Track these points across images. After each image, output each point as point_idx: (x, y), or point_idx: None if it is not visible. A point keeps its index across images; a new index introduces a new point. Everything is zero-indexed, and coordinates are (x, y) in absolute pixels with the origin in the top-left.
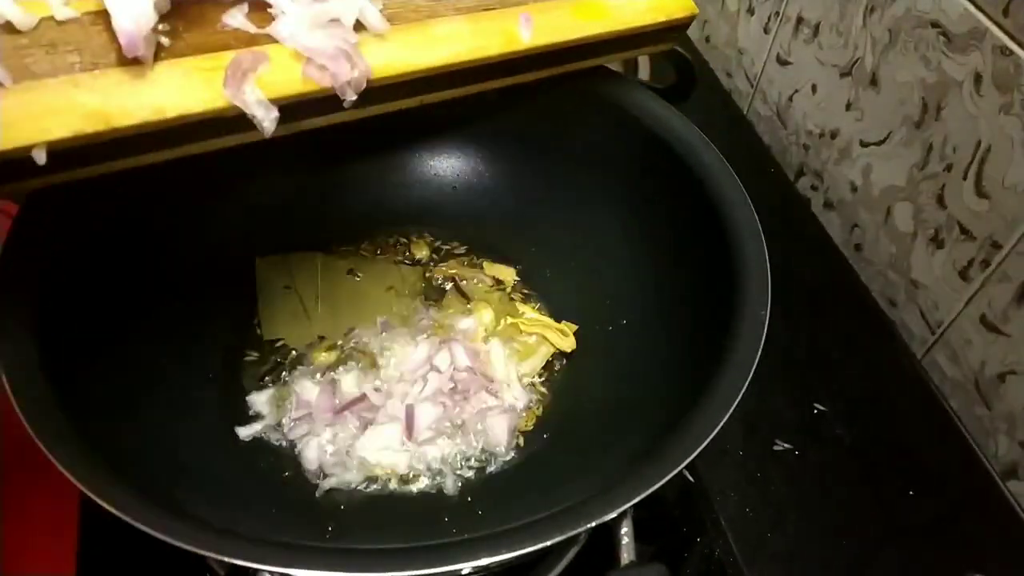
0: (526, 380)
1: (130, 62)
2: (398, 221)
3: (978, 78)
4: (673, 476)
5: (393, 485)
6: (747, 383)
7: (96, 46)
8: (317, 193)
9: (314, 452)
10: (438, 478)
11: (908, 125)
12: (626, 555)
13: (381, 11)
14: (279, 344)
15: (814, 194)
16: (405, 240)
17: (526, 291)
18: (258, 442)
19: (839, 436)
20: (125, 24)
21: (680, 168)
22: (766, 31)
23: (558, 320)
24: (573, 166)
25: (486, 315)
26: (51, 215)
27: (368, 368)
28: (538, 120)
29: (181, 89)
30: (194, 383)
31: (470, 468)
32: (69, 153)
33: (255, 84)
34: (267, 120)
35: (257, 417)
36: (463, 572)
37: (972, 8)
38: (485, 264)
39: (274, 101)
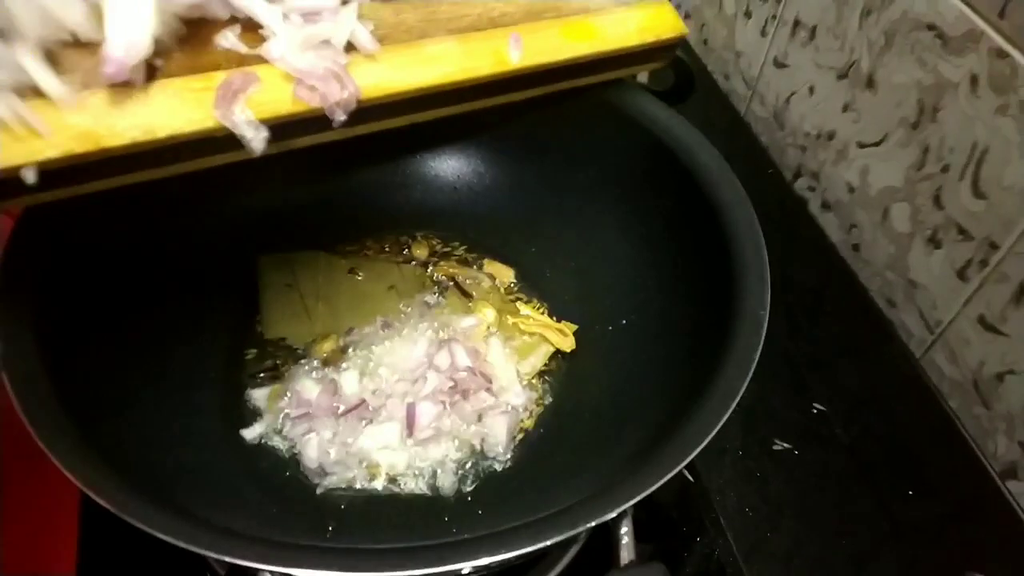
0: (526, 380)
1: (121, 84)
2: (399, 221)
3: (974, 80)
4: (673, 476)
5: (393, 485)
6: (746, 383)
7: (87, 67)
8: (319, 194)
9: (314, 451)
10: (438, 478)
11: (905, 127)
12: (626, 555)
13: (372, 32)
14: (280, 342)
15: (812, 195)
16: (406, 239)
17: (526, 291)
18: (258, 441)
19: (838, 436)
20: (115, 52)
21: (679, 169)
22: (763, 34)
23: (558, 320)
24: (573, 167)
25: (489, 313)
26: (53, 215)
27: (367, 366)
28: (538, 122)
29: (172, 109)
30: (194, 382)
31: (470, 468)
32: (60, 172)
33: (245, 104)
34: (256, 140)
35: (258, 416)
36: (463, 572)
37: (968, 11)
38: (484, 262)
39: (264, 121)
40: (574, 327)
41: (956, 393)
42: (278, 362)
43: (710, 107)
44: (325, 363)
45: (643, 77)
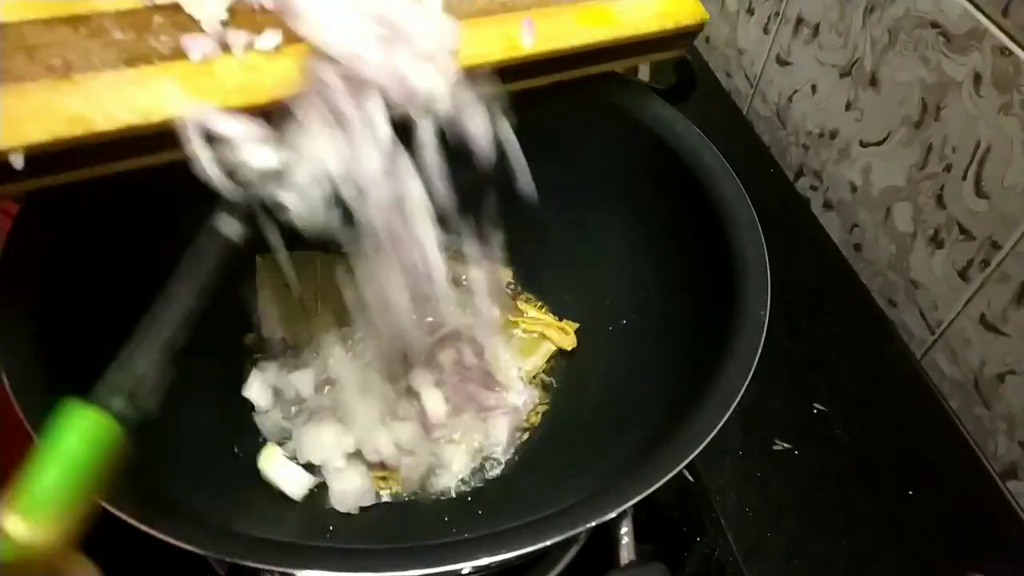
0: (527, 379)
1: (117, 65)
2: None
3: (977, 78)
4: (673, 476)
5: (394, 486)
6: (746, 383)
7: (80, 49)
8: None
9: (315, 451)
10: (438, 478)
11: (908, 125)
12: (626, 555)
13: None
14: (279, 342)
15: (813, 194)
16: None
17: (525, 291)
18: (258, 440)
19: (838, 436)
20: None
21: (680, 168)
22: (766, 31)
23: (558, 320)
24: (572, 166)
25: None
26: (51, 214)
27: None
28: (537, 121)
29: (167, 93)
30: (194, 381)
31: (470, 468)
32: (50, 158)
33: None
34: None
35: (257, 415)
36: (463, 572)
37: (972, 8)
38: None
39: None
40: (575, 325)
41: (957, 393)
42: (279, 357)
43: (711, 105)
44: (324, 359)
45: (644, 75)
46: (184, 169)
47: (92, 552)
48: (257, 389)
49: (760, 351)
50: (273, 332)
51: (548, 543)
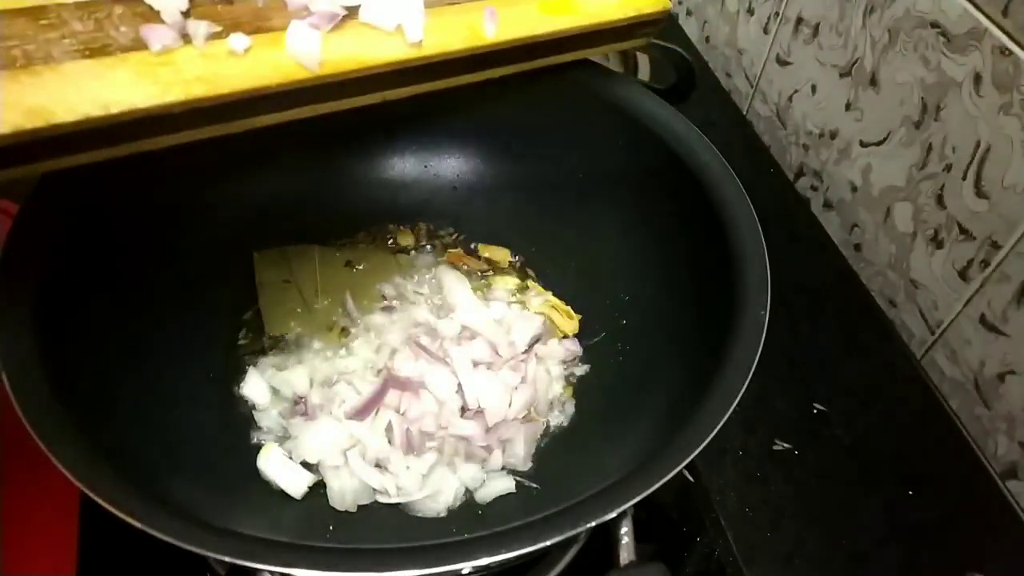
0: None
1: (77, 57)
2: (398, 220)
3: (977, 78)
4: (673, 476)
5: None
6: (747, 383)
7: (40, 41)
8: (315, 192)
9: (314, 449)
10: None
11: (908, 125)
12: (626, 555)
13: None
14: (280, 339)
15: (814, 194)
16: (407, 232)
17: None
18: (257, 439)
19: (839, 436)
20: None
21: (680, 168)
22: (766, 31)
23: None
24: (573, 167)
25: (510, 280)
26: (50, 214)
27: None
28: (538, 121)
29: (129, 84)
30: (194, 380)
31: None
32: (10, 150)
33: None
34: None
35: (257, 414)
36: (463, 572)
37: (972, 8)
38: (480, 247)
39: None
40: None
41: (957, 393)
42: (279, 356)
43: (712, 105)
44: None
45: (645, 75)
46: (184, 169)
47: (93, 552)
48: (255, 387)
49: (760, 351)
50: (272, 328)
51: (548, 543)
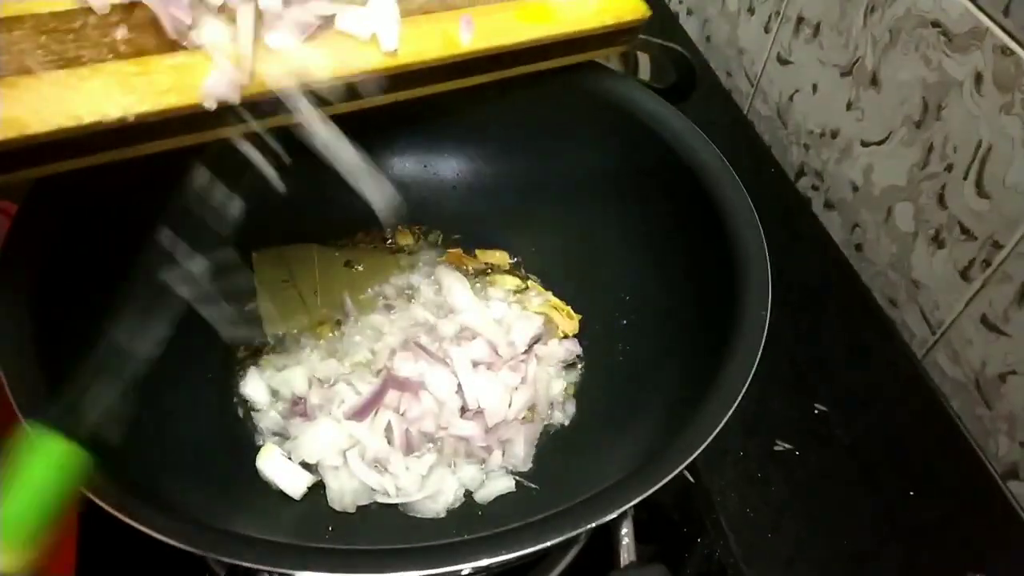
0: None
1: (51, 68)
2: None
3: (979, 78)
4: (673, 476)
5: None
6: (747, 383)
7: (14, 52)
8: (315, 192)
9: (314, 449)
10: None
11: (909, 125)
12: (626, 555)
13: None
14: (279, 339)
15: (815, 194)
16: (406, 232)
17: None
18: (257, 439)
19: (839, 436)
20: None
21: (680, 168)
22: (766, 31)
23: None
24: (573, 167)
25: (509, 281)
26: (51, 214)
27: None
28: (538, 121)
29: (103, 94)
30: (193, 380)
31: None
32: None
33: None
34: None
35: (256, 414)
36: (463, 573)
37: (973, 8)
38: (478, 252)
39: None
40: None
41: (958, 393)
42: (279, 356)
43: (712, 105)
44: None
45: (645, 74)
46: (182, 170)
47: (93, 552)
48: (254, 387)
49: (761, 352)
50: (271, 328)
51: (548, 544)
